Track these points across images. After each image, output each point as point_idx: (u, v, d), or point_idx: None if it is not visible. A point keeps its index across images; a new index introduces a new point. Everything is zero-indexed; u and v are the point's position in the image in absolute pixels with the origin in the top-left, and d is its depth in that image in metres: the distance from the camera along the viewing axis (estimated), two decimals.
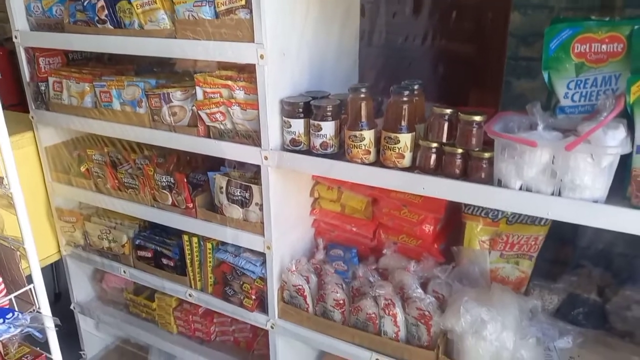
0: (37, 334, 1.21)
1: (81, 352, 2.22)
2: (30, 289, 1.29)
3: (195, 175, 1.70)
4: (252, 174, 1.56)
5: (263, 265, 1.56)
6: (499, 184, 1.13)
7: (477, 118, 1.15)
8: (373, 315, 1.40)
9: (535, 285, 1.46)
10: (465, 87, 1.84)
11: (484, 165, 1.16)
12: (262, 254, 1.54)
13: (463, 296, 1.30)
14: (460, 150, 1.18)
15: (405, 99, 1.23)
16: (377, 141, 1.29)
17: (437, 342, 1.34)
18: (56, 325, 1.34)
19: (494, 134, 1.09)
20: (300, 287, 1.51)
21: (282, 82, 1.38)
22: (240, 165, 1.62)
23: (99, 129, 1.72)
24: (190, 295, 1.75)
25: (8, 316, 1.15)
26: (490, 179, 1.15)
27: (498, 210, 1.41)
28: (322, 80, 1.53)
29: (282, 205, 1.50)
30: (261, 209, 1.49)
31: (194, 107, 1.51)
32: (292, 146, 1.39)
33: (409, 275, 1.43)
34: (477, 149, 1.16)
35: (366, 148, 1.29)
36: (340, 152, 1.36)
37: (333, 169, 1.33)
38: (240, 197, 1.53)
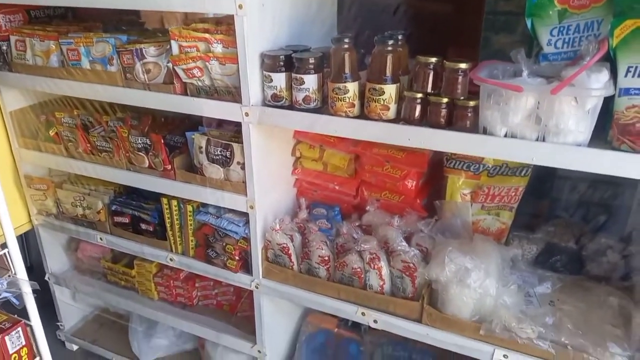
0: (14, 300, 1.17)
1: (59, 324, 2.17)
2: (4, 253, 1.24)
3: (172, 137, 1.65)
4: (233, 133, 1.52)
5: (246, 226, 1.54)
6: (485, 131, 1.14)
7: (463, 66, 1.14)
8: (358, 269, 1.41)
9: (515, 235, 1.49)
10: (443, 43, 1.82)
11: (469, 114, 1.16)
12: (245, 214, 1.52)
13: (447, 247, 1.32)
14: (445, 100, 1.17)
15: (389, 48, 1.21)
16: (361, 94, 1.27)
17: (421, 293, 1.36)
18: (34, 291, 1.30)
19: (480, 80, 1.09)
20: (284, 245, 1.50)
21: (261, 34, 1.33)
22: (219, 125, 1.58)
23: (67, 90, 1.64)
24: (171, 259, 1.72)
25: None
26: (476, 128, 1.16)
27: (479, 163, 1.43)
28: (302, 35, 1.49)
29: (264, 164, 1.47)
30: (243, 168, 1.46)
31: (169, 64, 1.45)
32: (274, 101, 1.36)
33: (393, 230, 1.44)
34: (463, 98, 1.16)
35: (350, 101, 1.27)
36: (324, 107, 1.34)
37: (317, 124, 1.31)
38: (220, 157, 1.49)
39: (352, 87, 1.26)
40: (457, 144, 1.17)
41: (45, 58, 1.65)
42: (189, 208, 1.63)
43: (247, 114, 1.37)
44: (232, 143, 1.46)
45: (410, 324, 1.37)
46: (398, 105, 1.24)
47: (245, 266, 1.61)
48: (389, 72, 1.22)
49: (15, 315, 1.34)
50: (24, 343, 1.32)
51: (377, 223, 1.52)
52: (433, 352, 1.65)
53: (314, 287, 1.50)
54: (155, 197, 1.69)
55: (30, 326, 1.34)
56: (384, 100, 1.22)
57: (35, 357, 1.35)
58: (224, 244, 1.59)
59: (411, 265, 1.36)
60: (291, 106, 1.35)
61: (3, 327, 1.29)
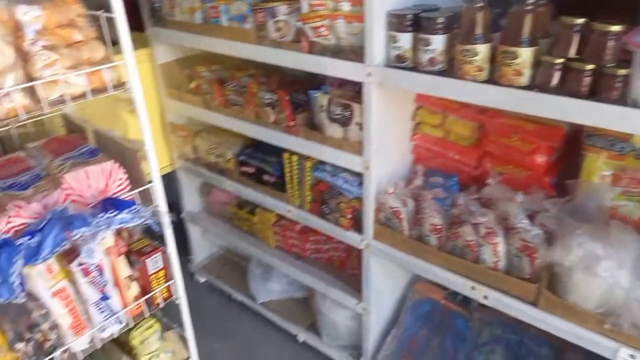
0: (155, 227, 1.34)
1: (190, 257, 2.44)
2: (150, 187, 1.42)
3: (297, 95, 1.71)
4: (354, 93, 1.52)
5: (360, 186, 1.56)
6: (635, 105, 0.99)
7: (616, 28, 1.00)
8: (472, 242, 1.35)
9: None
10: (592, 4, 1.61)
11: (618, 84, 1.02)
12: (360, 175, 1.53)
13: (576, 230, 1.20)
14: (590, 66, 1.04)
15: (528, 8, 1.10)
16: (492, 58, 1.18)
17: (540, 276, 1.27)
18: (172, 222, 1.47)
19: (637, 45, 0.94)
20: (397, 209, 1.49)
21: None
22: (341, 85, 1.59)
23: (207, 46, 1.77)
24: (289, 211, 1.82)
25: (132, 208, 1.27)
26: (625, 100, 1.01)
27: (625, 142, 1.26)
28: None
29: (382, 126, 1.46)
30: (361, 129, 1.47)
31: (298, 22, 1.49)
32: (398, 63, 1.33)
33: (515, 206, 1.34)
34: (612, 65, 1.02)
35: (479, 64, 1.19)
36: (450, 70, 1.27)
37: (440, 87, 1.26)
38: (340, 116, 1.51)
39: (483, 50, 1.18)
40: (600, 117, 1.04)
41: (190, 15, 1.79)
42: (308, 164, 1.69)
43: (369, 75, 1.36)
44: (352, 103, 1.47)
45: (525, 306, 1.30)
46: (533, 71, 1.13)
47: (357, 225, 1.64)
48: (526, 34, 1.11)
49: (155, 243, 1.55)
50: (161, 266, 1.52)
51: (498, 197, 1.43)
52: (547, 340, 1.55)
53: (423, 254, 1.48)
54: (279, 151, 1.78)
55: (167, 253, 1.53)
56: (517, 65, 1.12)
57: (169, 280, 1.55)
58: (338, 202, 1.63)
59: (531, 245, 1.27)
60: (415, 68, 1.31)
61: (146, 250, 1.50)
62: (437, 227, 1.43)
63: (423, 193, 1.51)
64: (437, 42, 1.24)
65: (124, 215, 1.24)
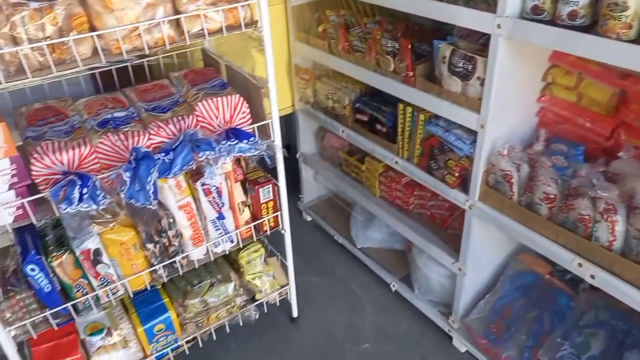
0: (268, 159, 1.45)
1: (300, 196, 2.59)
2: (269, 123, 1.52)
3: (420, 45, 1.67)
4: (480, 46, 1.45)
5: (472, 145, 1.51)
6: None
7: None
8: (587, 217, 1.26)
9: None
10: None
11: None
12: (474, 133, 1.48)
13: None
14: None
15: None
16: None
17: None
18: (286, 160, 1.58)
19: None
20: (508, 173, 1.43)
21: None
22: (468, 36, 1.52)
23: None
24: (396, 162, 1.83)
25: (251, 139, 1.39)
26: None
27: None
28: None
29: (506, 84, 1.38)
30: (482, 84, 1.40)
31: None
32: (533, 14, 1.22)
33: None
34: None
35: (628, 21, 1.06)
36: (592, 26, 1.15)
37: (577, 44, 1.14)
38: (462, 69, 1.46)
39: (635, 4, 1.04)
40: None
41: None
42: (422, 117, 1.67)
43: (499, 26, 1.28)
44: (476, 56, 1.40)
45: (637, 292, 1.19)
46: None
47: (463, 184, 1.60)
48: None
49: (269, 175, 1.68)
50: (271, 197, 1.65)
51: (628, 173, 1.29)
52: None
53: (530, 223, 1.41)
54: (394, 101, 1.78)
55: (278, 186, 1.65)
56: None
57: (277, 211, 1.68)
58: (447, 158, 1.61)
59: None
60: (552, 21, 1.20)
61: (259, 181, 1.63)
62: (551, 196, 1.35)
63: (541, 159, 1.42)
64: None
65: (243, 144, 1.36)
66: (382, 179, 2.07)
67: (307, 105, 2.26)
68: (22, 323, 1.30)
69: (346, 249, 2.34)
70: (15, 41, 1.07)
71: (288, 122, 2.77)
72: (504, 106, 1.42)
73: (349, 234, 2.34)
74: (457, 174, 1.60)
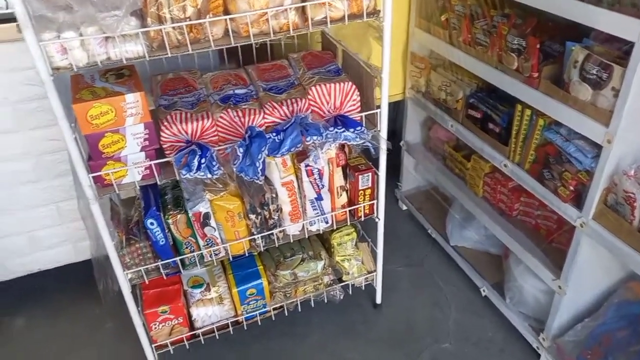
0: (372, 150, 1.46)
1: (398, 184, 2.58)
2: (377, 112, 1.53)
3: (550, 44, 1.55)
4: (620, 53, 1.31)
5: (594, 159, 1.39)
6: None
7: None
8: None
9: None
10: None
11: None
12: (598, 147, 1.36)
13: None
14: None
15: None
16: None
17: None
18: (388, 149, 1.58)
19: None
20: (632, 195, 1.30)
21: None
22: (607, 41, 1.38)
23: None
24: (505, 165, 1.75)
25: (357, 128, 1.41)
26: None
27: None
28: None
29: None
30: (616, 96, 1.28)
31: None
32: None
33: None
34: None
35: None
36: None
37: None
38: (595, 77, 1.34)
39: None
40: None
41: None
42: (540, 122, 1.57)
43: None
44: (614, 65, 1.28)
45: None
46: None
47: (577, 199, 1.49)
48: None
49: (370, 163, 1.69)
50: (369, 185, 1.67)
51: None
52: None
53: None
54: (511, 101, 1.68)
55: (378, 175, 1.66)
56: None
57: (373, 199, 1.70)
58: (563, 170, 1.50)
59: None
60: None
61: (360, 168, 1.66)
62: None
63: None
64: None
65: (349, 133, 1.39)
66: (487, 180, 1.99)
67: (418, 94, 2.22)
68: (138, 269, 1.48)
69: (438, 244, 2.30)
70: (160, 20, 1.18)
71: (396, 108, 2.75)
72: (637, 122, 1.29)
73: (443, 230, 2.29)
74: (571, 188, 1.49)
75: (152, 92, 1.54)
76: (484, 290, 2.03)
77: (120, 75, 1.34)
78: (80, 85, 1.29)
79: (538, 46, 1.51)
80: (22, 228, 1.96)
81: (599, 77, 1.33)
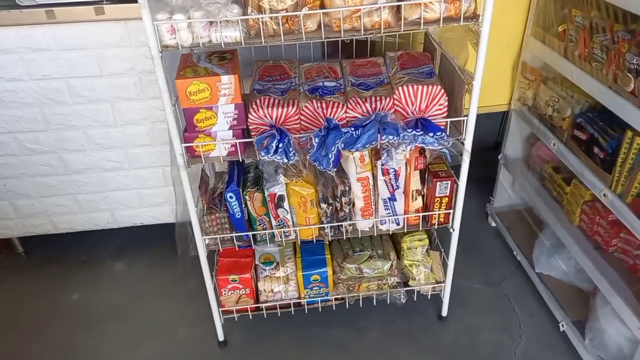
0: (448, 157, 1.43)
1: (490, 198, 2.46)
2: (463, 120, 1.49)
3: None
4: None
5: None
6: None
7: None
8: None
9: None
10: None
11: None
12: None
13: None
14: None
15: None
16: None
17: None
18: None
19: None
20: None
21: None
22: None
23: None
24: (604, 195, 1.59)
25: (438, 133, 1.39)
26: None
27: None
28: None
29: None
30: None
31: None
32: None
33: None
34: None
35: None
36: None
37: None
38: None
39: None
40: None
41: None
42: None
43: None
44: None
45: None
46: None
47: None
48: None
49: (452, 171, 1.65)
50: (447, 194, 1.63)
51: None
52: None
53: None
54: (622, 126, 1.52)
55: (457, 184, 1.61)
56: None
57: (450, 208, 1.65)
58: None
59: None
60: None
61: (440, 174, 1.62)
62: None
63: None
64: None
65: (428, 137, 1.37)
66: (586, 208, 1.82)
67: (524, 107, 2.09)
68: (215, 236, 1.62)
69: (522, 267, 2.16)
70: (260, 10, 1.27)
71: (501, 119, 2.62)
72: None
73: (530, 254, 2.15)
74: None
75: (252, 76, 1.66)
76: (562, 325, 1.87)
77: (223, 58, 1.47)
78: (187, 64, 1.43)
79: None
80: (134, 184, 2.22)
81: None
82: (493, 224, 2.46)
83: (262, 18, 1.26)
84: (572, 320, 1.86)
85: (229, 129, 1.43)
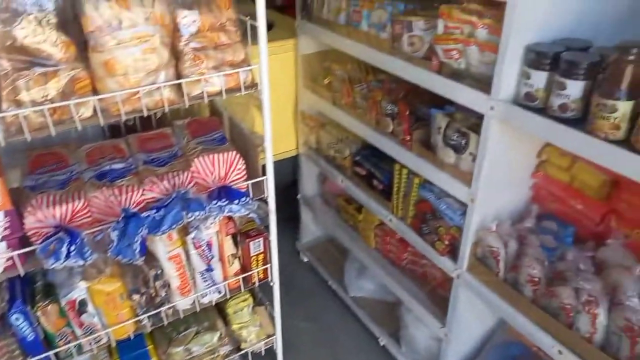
0: (257, 220, 1.47)
1: (298, 236, 2.61)
2: (264, 180, 1.55)
3: (421, 108, 1.69)
4: (477, 120, 1.46)
5: (462, 216, 1.51)
6: None
7: None
8: (568, 307, 1.25)
9: None
10: None
11: None
12: (465, 205, 1.49)
13: None
14: None
15: None
16: (634, 117, 1.05)
17: None
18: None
19: None
20: (495, 250, 1.43)
21: (534, 23, 1.20)
22: (466, 109, 1.54)
23: (345, 47, 1.81)
24: (390, 220, 1.84)
25: (242, 199, 1.41)
26: None
27: None
28: (584, 22, 1.28)
29: (498, 161, 1.39)
30: (474, 160, 1.41)
31: (431, 40, 1.46)
32: (526, 100, 1.24)
33: (630, 278, 1.20)
34: None
35: (616, 122, 1.07)
36: (582, 119, 1.16)
37: (566, 139, 1.15)
38: (456, 142, 1.47)
39: (624, 108, 1.05)
40: None
41: (335, 15, 1.85)
42: (416, 180, 1.68)
43: (492, 108, 1.29)
44: (470, 132, 1.42)
45: None
46: None
47: (453, 252, 1.60)
48: None
49: (262, 227, 1.69)
50: (262, 250, 1.67)
51: (614, 263, 1.29)
52: None
53: (514, 302, 1.41)
54: (392, 160, 1.79)
55: (269, 240, 1.67)
56: None
57: (267, 263, 1.69)
58: (438, 225, 1.61)
59: (636, 327, 1.14)
60: (544, 110, 1.21)
61: (251, 234, 1.65)
62: (535, 279, 1.34)
63: (530, 237, 1.42)
64: (573, 88, 1.14)
65: (234, 205, 1.38)
66: (377, 231, 2.08)
67: (310, 150, 2.29)
68: None
69: (338, 295, 2.34)
70: (18, 104, 1.11)
71: (293, 162, 2.80)
72: (495, 183, 1.43)
73: (342, 281, 2.34)
74: (446, 242, 1.60)
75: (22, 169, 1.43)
76: (381, 340, 2.08)
77: None
78: None
79: (407, 113, 1.64)
80: None
81: (458, 143, 1.46)
82: (305, 259, 2.61)
83: (22, 113, 1.11)
84: (388, 334, 2.08)
85: (1, 240, 1.20)
